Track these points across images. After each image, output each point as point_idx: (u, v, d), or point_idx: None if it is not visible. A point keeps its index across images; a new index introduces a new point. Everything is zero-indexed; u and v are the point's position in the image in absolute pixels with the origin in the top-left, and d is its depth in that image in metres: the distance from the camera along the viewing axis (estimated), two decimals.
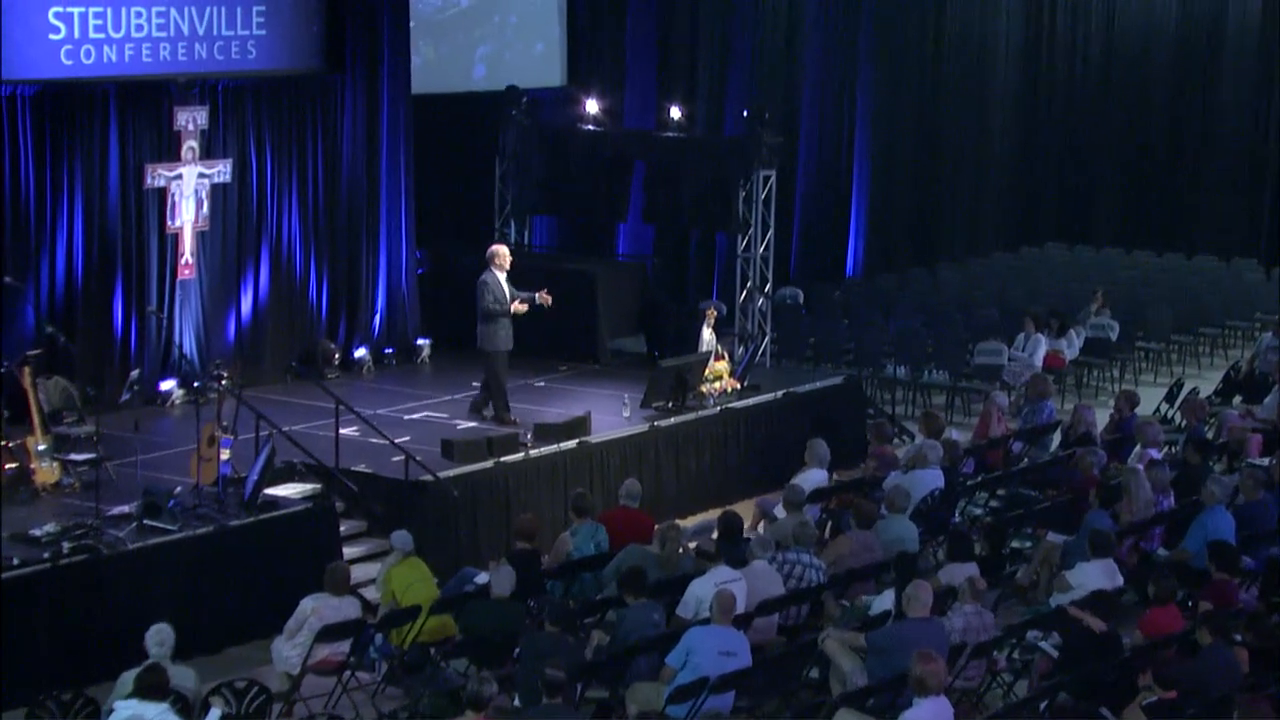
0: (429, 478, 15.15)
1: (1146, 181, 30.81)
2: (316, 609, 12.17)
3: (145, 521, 13.59)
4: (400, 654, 12.41)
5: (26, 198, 16.56)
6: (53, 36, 16.56)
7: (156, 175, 17.32)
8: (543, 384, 19.22)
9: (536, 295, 17.30)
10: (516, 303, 17.10)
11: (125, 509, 13.86)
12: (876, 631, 11.76)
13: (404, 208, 19.98)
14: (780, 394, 18.96)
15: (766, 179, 20.81)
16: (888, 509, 14.40)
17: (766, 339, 21.19)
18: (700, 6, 25.17)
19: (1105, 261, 28.76)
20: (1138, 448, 16.49)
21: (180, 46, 17.62)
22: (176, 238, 17.64)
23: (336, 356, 19.39)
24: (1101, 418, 18.18)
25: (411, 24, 20.27)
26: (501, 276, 17.12)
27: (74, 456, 14.82)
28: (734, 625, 11.60)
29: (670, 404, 17.85)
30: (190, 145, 17.58)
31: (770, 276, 21.29)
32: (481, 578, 13.03)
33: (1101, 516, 14.26)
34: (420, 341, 20.18)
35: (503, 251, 17.24)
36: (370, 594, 13.76)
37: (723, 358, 18.84)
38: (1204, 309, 25.11)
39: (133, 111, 17.24)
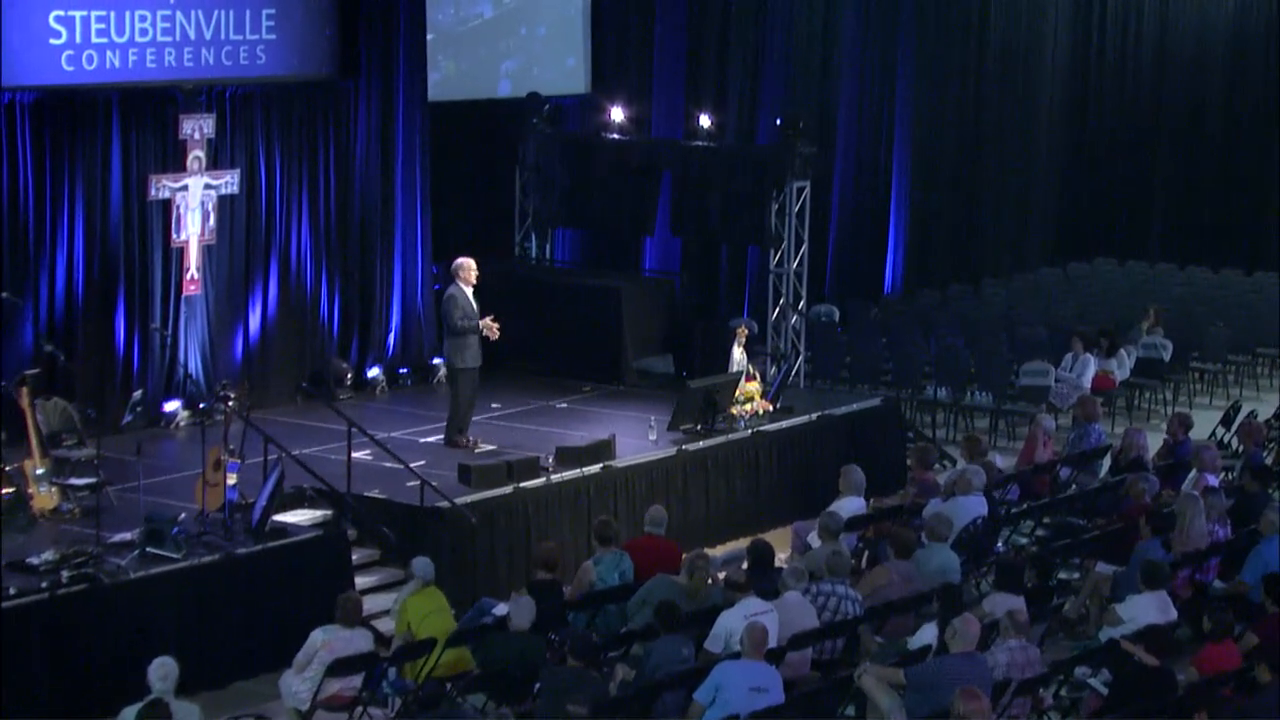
0: (445, 504, 15.16)
1: (1202, 194, 30.73)
2: (327, 641, 12.17)
3: (148, 549, 13.60)
4: (415, 689, 12.42)
5: (25, 210, 16.62)
6: (53, 41, 16.64)
7: (161, 186, 17.37)
8: (565, 405, 19.23)
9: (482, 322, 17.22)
10: (489, 319, 17.05)
11: (127, 536, 13.87)
12: (917, 667, 11.72)
13: (420, 220, 20.02)
14: (814, 416, 18.95)
15: (800, 190, 20.81)
16: (928, 538, 14.37)
17: (800, 359, 21.16)
18: (732, 9, 25.18)
19: (1158, 277, 28.69)
20: (1193, 474, 16.44)
21: (186, 52, 17.68)
22: (181, 252, 17.69)
23: (349, 376, 19.43)
24: (1154, 442, 18.13)
25: (430, 36, 20.28)
26: (469, 292, 17.13)
27: (74, 481, 14.85)
28: (766, 660, 11.58)
29: (699, 427, 17.85)
30: (196, 155, 17.63)
31: (804, 293, 21.27)
32: (500, 609, 13.02)
33: (1154, 546, 14.22)
34: (436, 361, 20.17)
35: (469, 265, 17.24)
36: (383, 626, 13.76)
37: (754, 378, 18.82)
38: (1262, 328, 24.99)
39: (136, 120, 17.31)
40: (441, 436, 17.43)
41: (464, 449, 17.03)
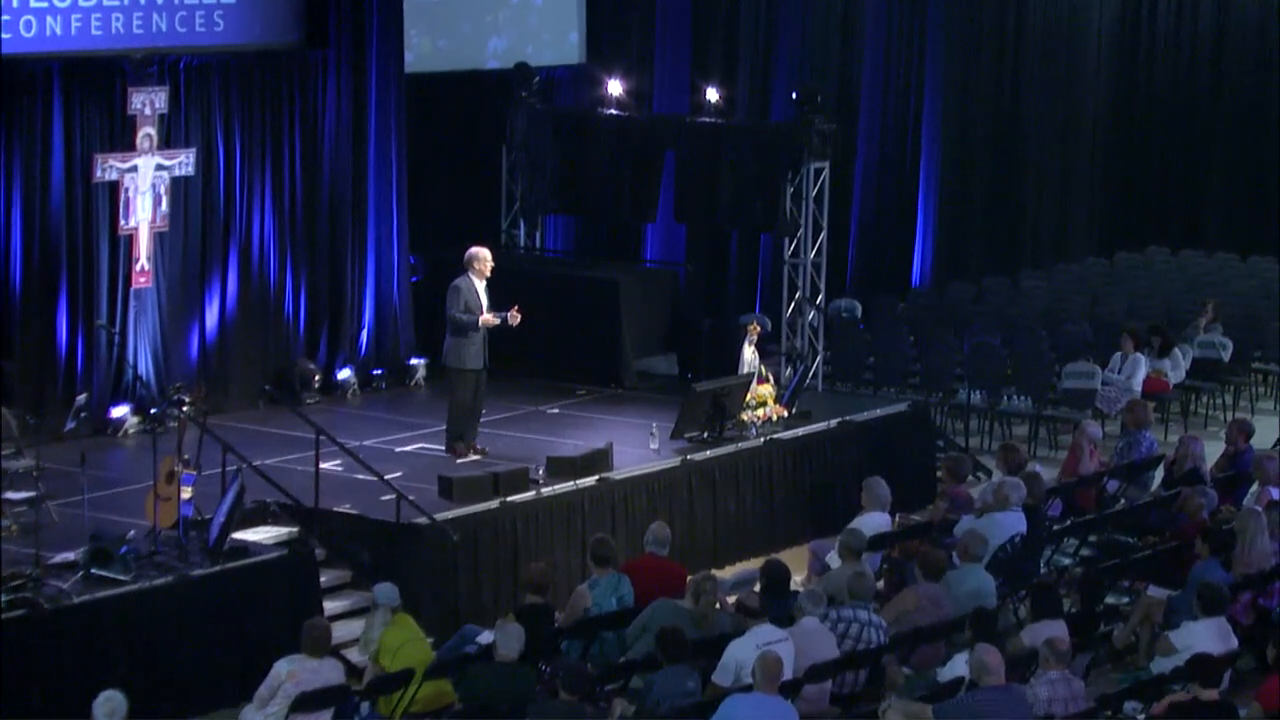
0: (424, 520, 15.17)
1: (1265, 175, 30.67)
2: (292, 673, 12.19)
3: (93, 571, 13.61)
4: None
5: None
6: None
7: (108, 167, 17.37)
8: (557, 411, 19.25)
9: (508, 315, 17.23)
10: (489, 315, 17.05)
11: (70, 556, 13.88)
12: (947, 702, 11.74)
13: (395, 206, 20.03)
14: (834, 423, 18.97)
15: (819, 172, 20.82)
16: (960, 558, 14.39)
17: (818, 359, 21.18)
18: None
19: (1216, 269, 28.66)
20: (1255, 487, 16.46)
21: (135, 17, 17.70)
22: (130, 240, 17.69)
23: (317, 379, 19.44)
24: (1212, 451, 18.14)
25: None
26: (480, 285, 17.15)
27: (10, 495, 14.84)
28: (780, 693, 11.60)
29: (706, 434, 17.87)
30: (147, 132, 17.63)
31: (823, 286, 21.29)
32: (485, 637, 13.04)
33: (1212, 567, 14.23)
34: (414, 361, 20.22)
35: (483, 255, 17.25)
36: (355, 655, 13.77)
37: (767, 380, 18.83)
38: None
39: (80, 93, 17.32)
40: (420, 445, 17.45)
41: (462, 456, 17.07)
